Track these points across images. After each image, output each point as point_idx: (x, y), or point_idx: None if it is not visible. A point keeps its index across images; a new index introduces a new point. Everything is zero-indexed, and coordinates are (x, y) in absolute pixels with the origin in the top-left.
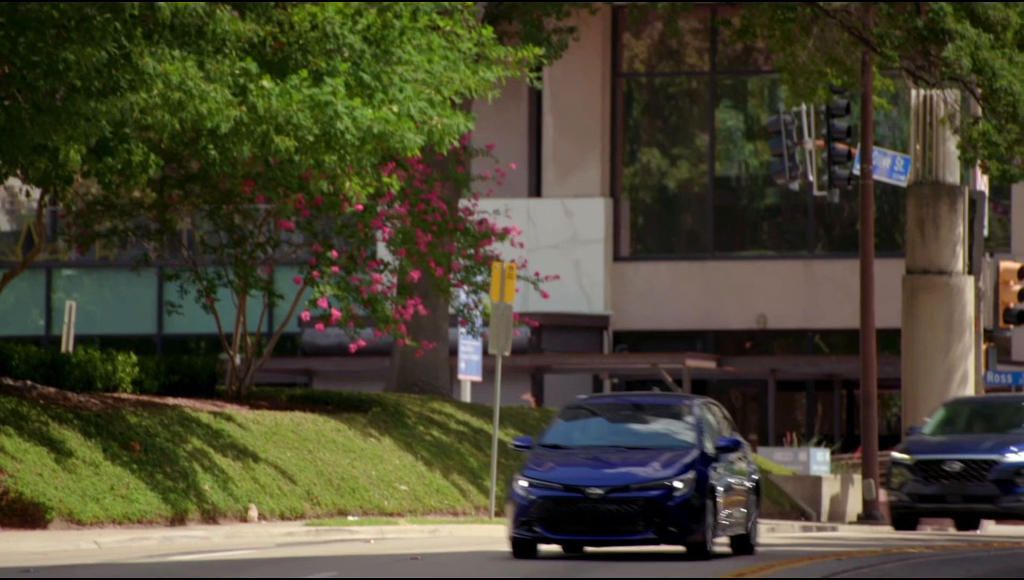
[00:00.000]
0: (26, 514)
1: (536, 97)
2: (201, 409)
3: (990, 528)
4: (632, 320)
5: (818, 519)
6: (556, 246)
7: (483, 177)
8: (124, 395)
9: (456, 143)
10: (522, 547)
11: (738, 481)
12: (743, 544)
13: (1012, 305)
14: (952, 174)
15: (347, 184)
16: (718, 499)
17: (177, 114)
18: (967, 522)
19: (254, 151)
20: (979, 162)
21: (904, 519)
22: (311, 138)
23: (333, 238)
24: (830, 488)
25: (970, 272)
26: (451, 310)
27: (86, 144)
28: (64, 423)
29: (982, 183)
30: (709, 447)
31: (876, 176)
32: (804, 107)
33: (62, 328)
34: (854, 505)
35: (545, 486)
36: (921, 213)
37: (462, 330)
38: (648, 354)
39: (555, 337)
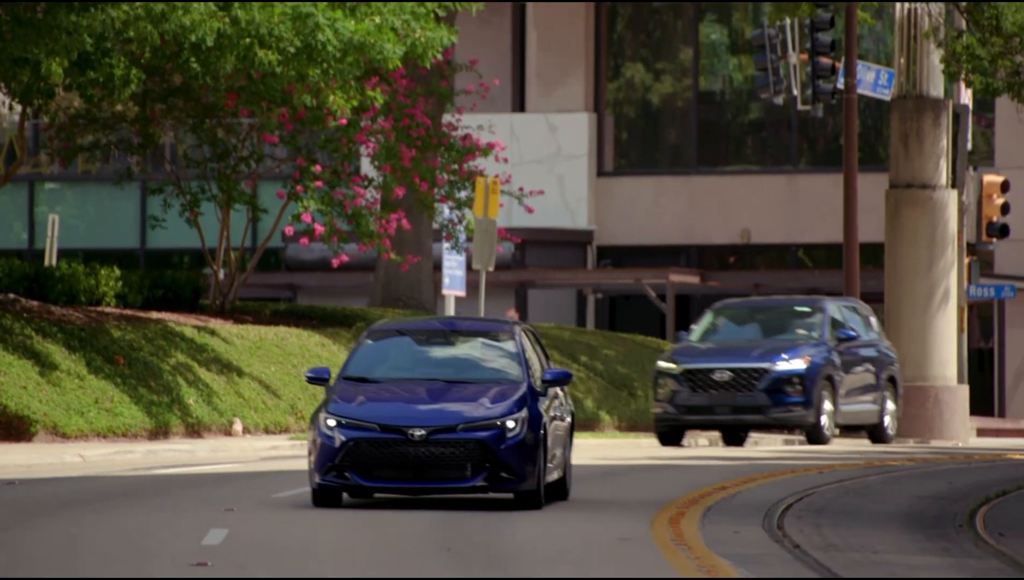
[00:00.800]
0: (11, 427)
1: (520, 13)
2: (185, 323)
3: (972, 441)
4: (615, 235)
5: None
6: (540, 161)
7: (467, 91)
8: (108, 309)
9: (440, 57)
10: (327, 496)
11: (561, 418)
12: (559, 489)
13: (995, 219)
14: (936, 88)
15: (331, 98)
16: (549, 440)
17: (159, 26)
18: (735, 435)
19: (237, 64)
20: (963, 76)
21: (670, 433)
22: (292, 50)
23: (317, 153)
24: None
25: (953, 186)
26: (435, 225)
27: (68, 58)
28: (48, 337)
29: (966, 97)
30: (536, 381)
31: (860, 90)
32: (788, 21)
33: (45, 242)
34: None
35: (358, 426)
36: (904, 127)
37: (446, 245)
38: (631, 269)
39: (538, 252)
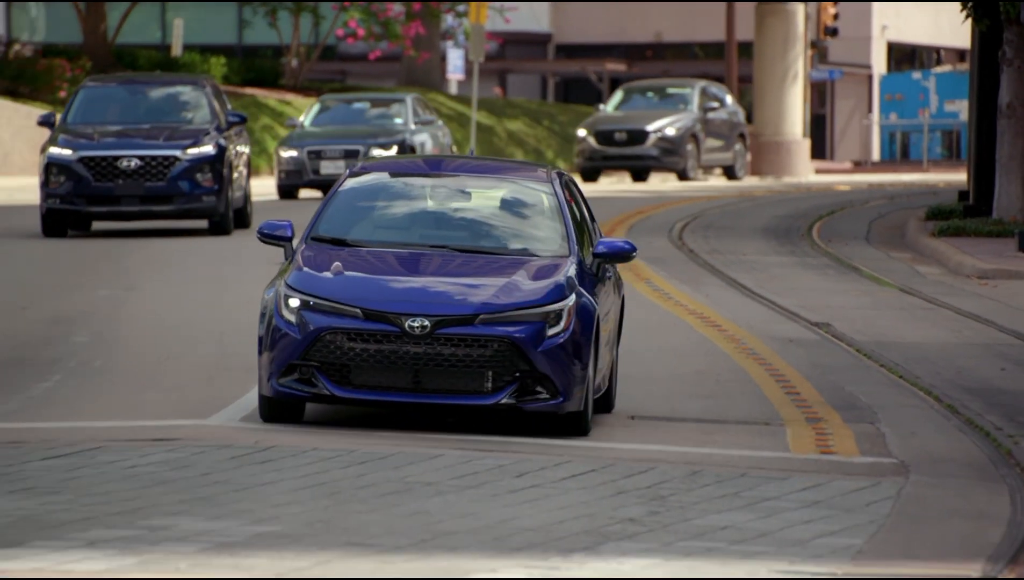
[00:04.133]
0: None
1: None
2: (269, 96)
3: (811, 178)
4: (568, 36)
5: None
6: None
7: None
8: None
9: None
10: (282, 409)
11: (612, 308)
12: (601, 402)
13: (828, 23)
14: None
15: None
16: (600, 341)
17: None
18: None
19: None
20: None
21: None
22: None
23: None
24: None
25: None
26: (441, 29)
27: None
28: None
29: None
30: (587, 254)
31: None
32: None
33: (172, 39)
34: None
35: (331, 309)
36: None
37: (449, 44)
38: (578, 60)
39: (514, 49)
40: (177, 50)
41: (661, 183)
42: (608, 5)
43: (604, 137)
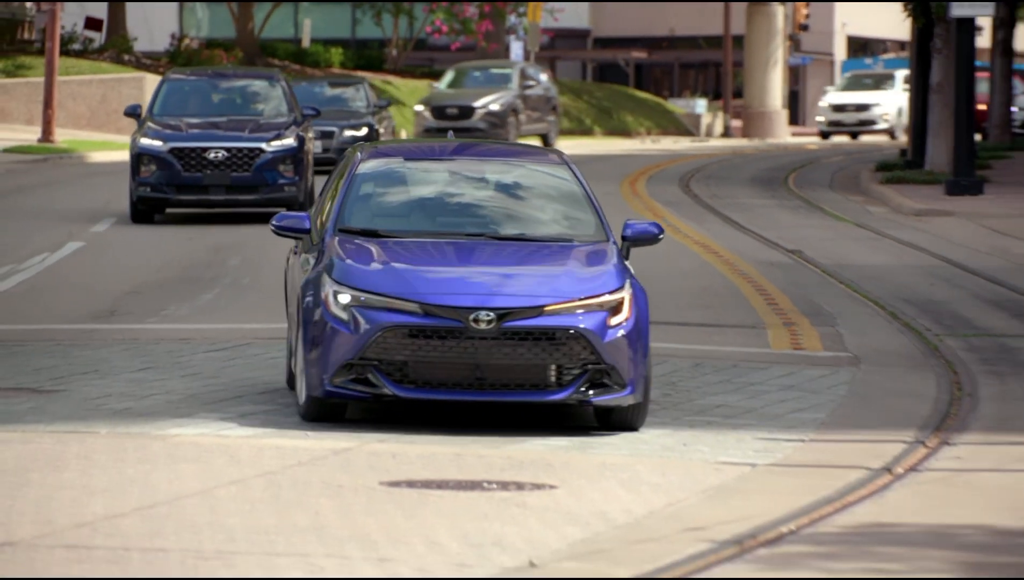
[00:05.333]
0: None
1: None
2: (375, 78)
3: (788, 139)
4: (603, 31)
5: (698, 135)
6: None
7: None
8: (334, 70)
9: None
10: (328, 411)
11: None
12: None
13: (801, 21)
14: None
15: None
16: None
17: None
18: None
19: None
20: None
21: None
22: None
23: None
24: (705, 120)
25: (782, 1)
26: (506, 26)
27: None
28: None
29: None
30: (617, 238)
31: None
32: None
33: (302, 34)
34: (719, 129)
35: (388, 305)
36: None
37: (512, 37)
38: (611, 50)
39: (561, 41)
40: (306, 43)
41: (673, 143)
42: (634, 5)
43: (438, 112)
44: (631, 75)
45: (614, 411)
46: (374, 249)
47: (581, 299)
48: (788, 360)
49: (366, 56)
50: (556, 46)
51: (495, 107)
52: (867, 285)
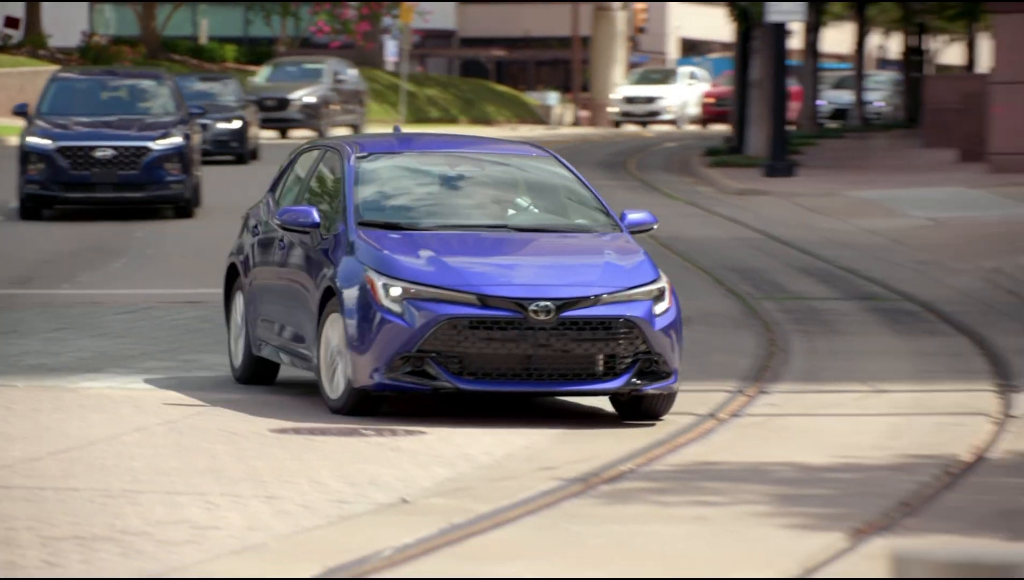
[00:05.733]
0: None
1: None
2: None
3: (628, 128)
4: (467, 32)
5: (550, 124)
6: None
7: None
8: (229, 65)
9: None
10: (369, 404)
11: None
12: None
13: (639, 24)
14: None
15: None
16: None
17: None
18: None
19: None
20: None
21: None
22: None
23: None
24: (557, 111)
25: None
26: (382, 27)
27: None
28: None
29: None
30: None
31: None
32: None
33: (199, 33)
34: (568, 118)
35: (445, 298)
36: None
37: (387, 37)
38: (474, 48)
39: (431, 40)
40: (203, 40)
41: (529, 131)
42: (494, 8)
43: (257, 104)
44: (492, 71)
45: (644, 400)
46: (409, 241)
47: (630, 289)
48: None
49: (257, 52)
50: (426, 45)
51: (310, 99)
52: (697, 256)
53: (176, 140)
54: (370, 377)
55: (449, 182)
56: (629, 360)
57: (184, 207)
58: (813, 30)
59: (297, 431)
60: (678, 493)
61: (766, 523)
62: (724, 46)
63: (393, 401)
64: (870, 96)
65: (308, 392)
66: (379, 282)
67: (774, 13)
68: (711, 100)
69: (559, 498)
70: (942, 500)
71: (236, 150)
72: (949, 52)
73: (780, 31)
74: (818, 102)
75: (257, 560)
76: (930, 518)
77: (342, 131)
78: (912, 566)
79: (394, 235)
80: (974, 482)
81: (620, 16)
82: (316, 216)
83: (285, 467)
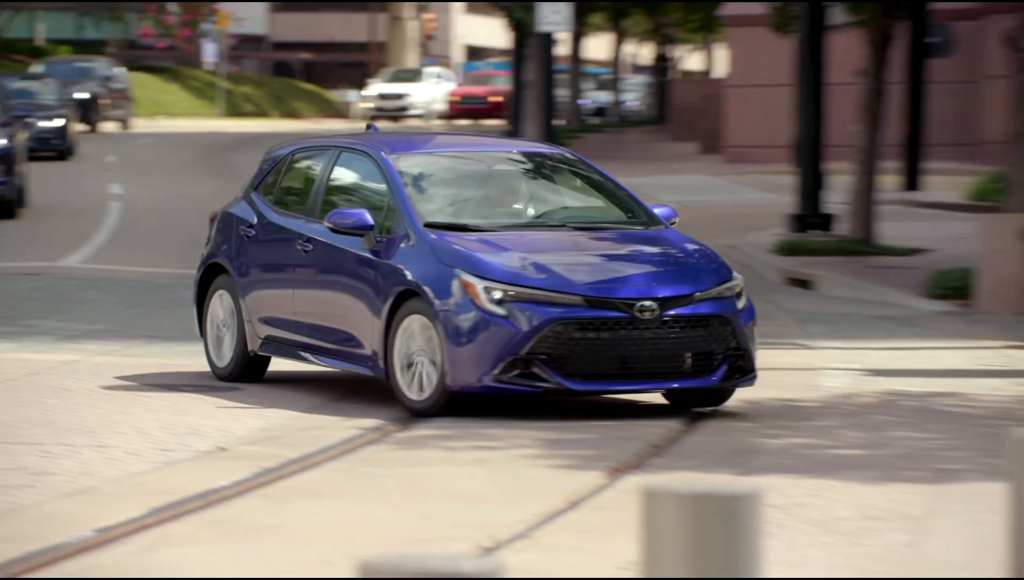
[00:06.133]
0: None
1: None
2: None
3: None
4: (278, 36)
5: (350, 117)
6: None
7: None
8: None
9: None
10: (459, 405)
11: None
12: None
13: (429, 31)
14: None
15: None
16: None
17: None
18: None
19: None
20: None
21: None
22: None
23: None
24: (356, 107)
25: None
26: (201, 31)
27: None
28: None
29: None
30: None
31: None
32: None
33: (36, 35)
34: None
35: (549, 299)
36: None
37: (206, 40)
38: (283, 51)
39: (245, 44)
40: (40, 42)
41: (333, 125)
42: (301, 15)
43: None
44: (300, 71)
45: (719, 393)
46: (488, 242)
47: (716, 285)
48: None
49: (91, 53)
50: (241, 48)
51: (82, 95)
52: None
53: (0, 141)
54: (478, 379)
55: (493, 181)
56: (721, 356)
57: (8, 208)
58: (577, 39)
59: (125, 388)
60: (462, 439)
61: (537, 464)
62: (503, 52)
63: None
64: (626, 96)
65: (136, 353)
66: (479, 285)
67: (543, 24)
68: (457, 98)
69: (359, 445)
70: (685, 442)
71: (58, 147)
72: (692, 59)
73: (548, 40)
74: (582, 101)
75: (89, 502)
76: (675, 458)
77: (112, 126)
78: (659, 498)
79: (469, 236)
80: (712, 426)
81: (412, 25)
82: (370, 218)
83: (114, 419)
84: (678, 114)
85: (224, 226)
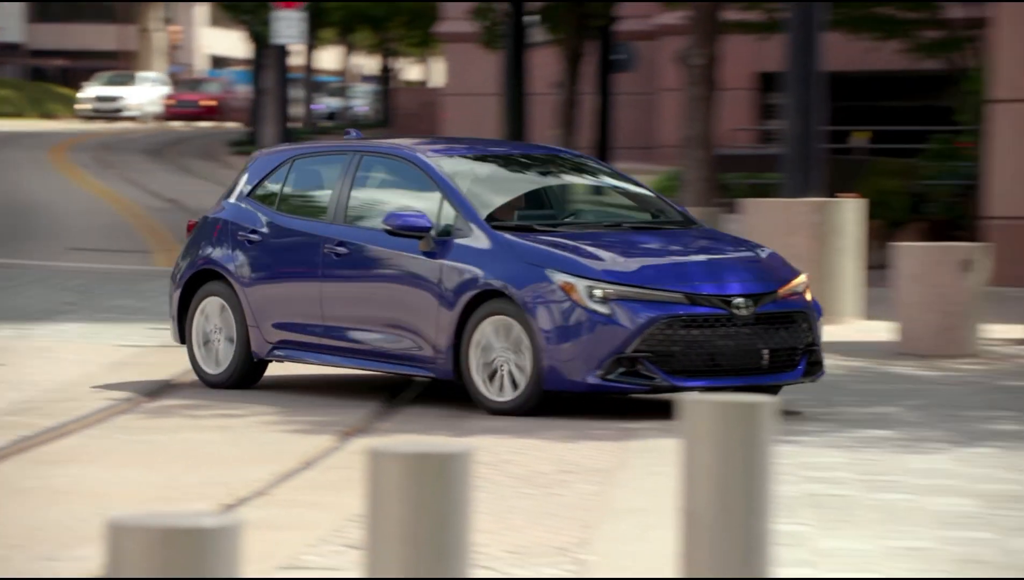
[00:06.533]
0: None
1: None
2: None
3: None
4: (36, 45)
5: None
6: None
7: None
8: None
9: None
10: (548, 404)
11: None
12: None
13: (176, 41)
14: None
15: None
16: None
17: None
18: None
19: None
20: None
21: None
22: None
23: None
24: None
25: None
26: None
27: None
28: None
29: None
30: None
31: None
32: None
33: None
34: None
35: (652, 298)
36: None
37: None
38: (42, 59)
39: (6, 50)
40: None
41: (94, 126)
42: (56, 26)
43: None
44: (57, 76)
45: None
46: (565, 242)
47: (789, 282)
48: (166, 274)
49: None
50: (3, 54)
51: None
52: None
53: None
54: (583, 379)
55: (531, 182)
56: (801, 351)
57: None
58: (310, 51)
59: None
60: (207, 408)
61: (275, 429)
62: (244, 61)
63: None
64: (355, 102)
65: None
66: (580, 284)
67: (278, 37)
68: (173, 101)
69: (112, 414)
70: (407, 410)
71: None
72: (413, 70)
73: (283, 51)
74: (316, 106)
75: None
76: (399, 422)
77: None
78: (382, 458)
79: (546, 237)
80: (431, 396)
81: (159, 36)
82: (429, 220)
83: None
84: (401, 119)
85: (214, 232)
